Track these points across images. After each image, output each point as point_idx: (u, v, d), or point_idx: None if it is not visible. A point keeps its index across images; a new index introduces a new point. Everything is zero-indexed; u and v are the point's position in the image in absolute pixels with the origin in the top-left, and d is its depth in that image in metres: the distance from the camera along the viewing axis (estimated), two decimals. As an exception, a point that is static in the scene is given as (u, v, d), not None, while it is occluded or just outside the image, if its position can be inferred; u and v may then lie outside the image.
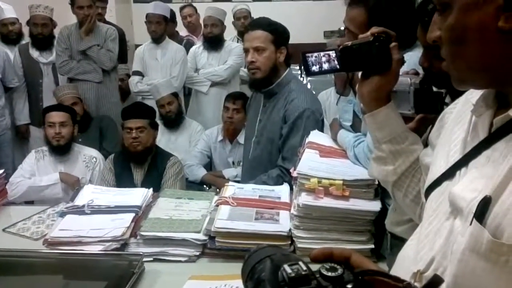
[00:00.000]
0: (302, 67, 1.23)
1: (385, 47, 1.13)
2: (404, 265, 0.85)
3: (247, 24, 2.78)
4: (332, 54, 1.17)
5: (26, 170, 3.05)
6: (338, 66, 1.17)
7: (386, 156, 1.15)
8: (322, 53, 1.17)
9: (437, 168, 0.86)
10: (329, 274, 0.58)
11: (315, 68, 1.18)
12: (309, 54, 1.18)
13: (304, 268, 0.58)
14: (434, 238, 0.78)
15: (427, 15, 1.22)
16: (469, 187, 0.73)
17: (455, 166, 0.80)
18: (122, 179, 2.93)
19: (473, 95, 0.84)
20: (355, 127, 1.89)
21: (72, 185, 2.90)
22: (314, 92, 4.27)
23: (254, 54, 2.35)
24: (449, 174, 0.81)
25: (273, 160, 2.41)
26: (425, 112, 1.30)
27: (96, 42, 4.00)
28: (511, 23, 0.68)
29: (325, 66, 1.17)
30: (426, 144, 1.19)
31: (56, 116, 3.03)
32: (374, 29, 1.16)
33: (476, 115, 0.80)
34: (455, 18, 0.74)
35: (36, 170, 3.05)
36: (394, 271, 0.90)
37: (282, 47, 2.39)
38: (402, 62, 1.17)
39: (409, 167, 1.13)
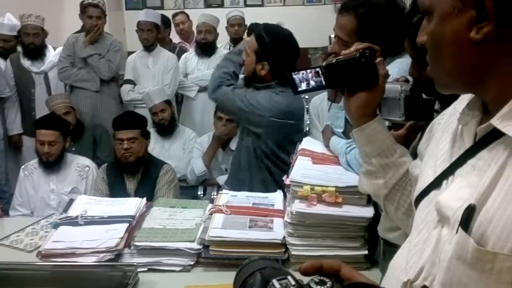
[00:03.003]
0: (290, 86, 1.23)
1: (371, 63, 1.14)
2: (395, 274, 0.85)
3: (252, 25, 2.72)
4: (318, 71, 1.18)
5: (19, 194, 3.06)
6: (324, 83, 1.18)
7: (376, 170, 1.16)
8: (308, 71, 1.18)
9: (425, 178, 0.86)
10: (318, 287, 0.58)
11: (302, 86, 1.19)
12: (295, 72, 1.19)
13: (293, 282, 0.58)
14: (422, 247, 0.78)
15: (413, 28, 1.23)
16: (455, 195, 0.74)
17: (442, 175, 0.81)
18: (115, 188, 2.92)
19: (460, 104, 0.85)
20: (347, 133, 1.90)
21: None
22: (307, 97, 4.29)
23: (245, 54, 2.38)
24: (437, 183, 0.82)
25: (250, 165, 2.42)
26: (416, 119, 1.31)
27: (98, 51, 4.03)
28: (482, 34, 0.69)
29: (312, 83, 1.18)
30: (414, 153, 1.20)
31: (46, 135, 2.99)
32: (359, 45, 1.17)
33: (462, 124, 0.81)
34: (435, 25, 0.76)
35: (28, 186, 3.03)
36: (385, 280, 0.90)
37: (264, 62, 2.31)
38: (387, 76, 1.18)
39: (400, 180, 1.14)
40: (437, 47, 0.76)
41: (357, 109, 1.16)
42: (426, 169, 0.88)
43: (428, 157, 0.91)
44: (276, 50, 2.32)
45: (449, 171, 0.79)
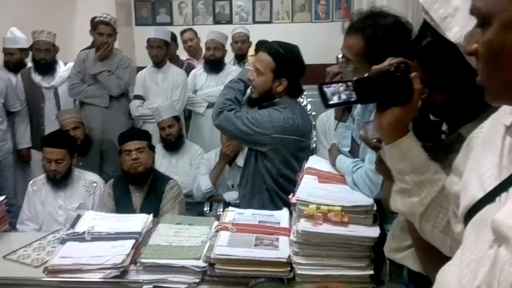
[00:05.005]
0: (320, 99, 1.15)
1: (407, 77, 1.10)
2: None
3: (261, 42, 2.69)
4: (349, 85, 1.12)
5: (27, 209, 3.07)
6: (354, 98, 1.12)
7: (410, 188, 1.12)
8: (339, 84, 1.13)
9: (472, 194, 0.83)
10: (324, 312, 0.59)
11: (333, 99, 1.13)
12: (327, 85, 1.13)
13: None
14: (476, 267, 0.76)
15: (422, 51, 1.24)
16: None
17: (493, 192, 0.78)
18: (121, 204, 2.93)
19: (506, 117, 0.82)
20: (353, 152, 1.91)
21: None
22: (314, 114, 4.28)
23: (254, 73, 2.37)
24: (488, 199, 0.79)
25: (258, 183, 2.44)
26: (423, 140, 1.31)
27: (107, 68, 4.08)
28: None
29: (343, 96, 1.12)
30: None
31: (52, 153, 3.02)
32: (392, 60, 1.14)
33: None
34: (494, 34, 0.73)
35: (36, 201, 3.05)
36: None
37: (283, 78, 2.34)
38: (423, 92, 1.15)
39: (435, 197, 1.10)
40: (495, 57, 0.74)
41: (390, 124, 1.12)
42: (470, 184, 0.86)
43: (470, 172, 0.89)
44: (294, 65, 2.38)
45: (501, 188, 0.77)
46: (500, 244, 0.72)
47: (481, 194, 0.81)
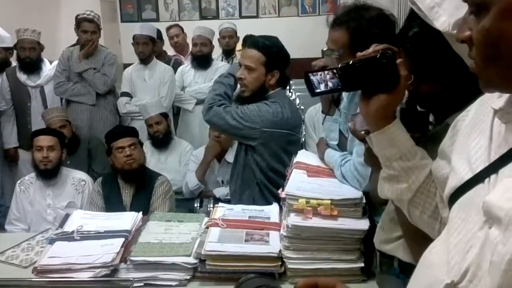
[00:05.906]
0: (307, 87, 1.14)
1: (393, 64, 1.09)
2: (432, 273, 0.83)
3: (246, 38, 2.66)
4: (335, 72, 1.10)
5: (16, 209, 3.05)
6: (339, 86, 1.10)
7: (398, 174, 1.12)
8: (325, 72, 1.11)
9: (460, 176, 0.84)
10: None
11: (320, 87, 1.11)
12: (313, 74, 1.11)
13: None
14: (465, 248, 0.76)
15: (409, 42, 1.24)
16: (504, 196, 0.70)
17: (482, 173, 0.78)
18: (111, 201, 2.92)
19: (493, 100, 0.82)
20: (341, 145, 1.91)
21: None
22: (302, 108, 4.29)
23: (244, 72, 2.36)
24: (476, 181, 0.79)
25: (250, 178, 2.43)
26: (411, 131, 1.31)
27: (93, 66, 4.05)
28: None
29: (330, 84, 1.10)
30: None
31: (44, 140, 3.02)
32: (377, 46, 1.13)
33: (503, 122, 0.78)
34: (491, 22, 0.71)
35: (24, 201, 3.02)
36: (418, 277, 0.88)
37: (275, 70, 2.36)
38: (409, 78, 1.14)
39: (423, 182, 1.10)
40: (493, 45, 0.72)
41: (377, 112, 1.11)
42: (458, 166, 0.86)
43: (457, 154, 0.89)
44: (282, 56, 2.42)
45: (490, 170, 0.77)
46: (491, 225, 0.72)
47: (469, 175, 0.81)
